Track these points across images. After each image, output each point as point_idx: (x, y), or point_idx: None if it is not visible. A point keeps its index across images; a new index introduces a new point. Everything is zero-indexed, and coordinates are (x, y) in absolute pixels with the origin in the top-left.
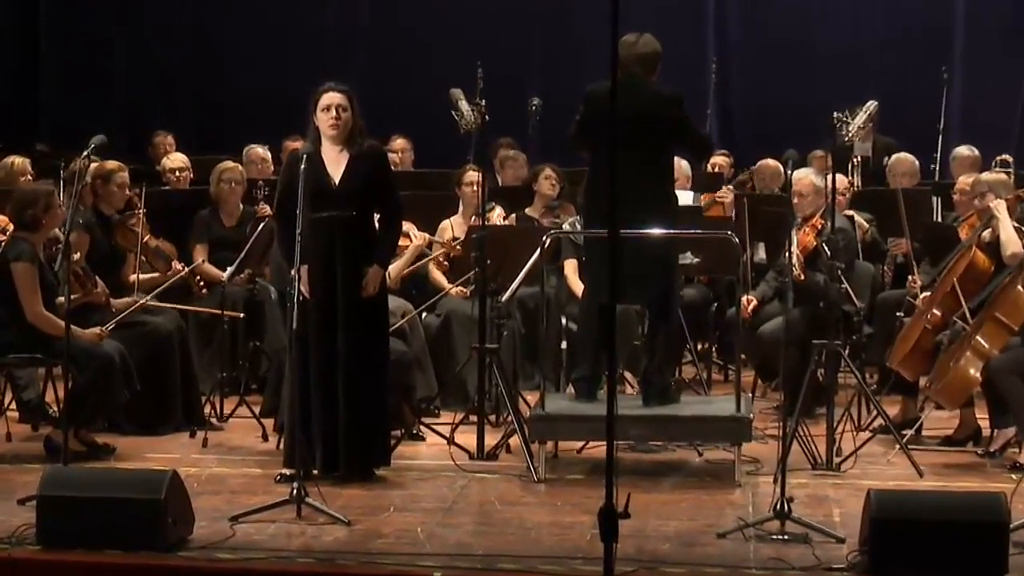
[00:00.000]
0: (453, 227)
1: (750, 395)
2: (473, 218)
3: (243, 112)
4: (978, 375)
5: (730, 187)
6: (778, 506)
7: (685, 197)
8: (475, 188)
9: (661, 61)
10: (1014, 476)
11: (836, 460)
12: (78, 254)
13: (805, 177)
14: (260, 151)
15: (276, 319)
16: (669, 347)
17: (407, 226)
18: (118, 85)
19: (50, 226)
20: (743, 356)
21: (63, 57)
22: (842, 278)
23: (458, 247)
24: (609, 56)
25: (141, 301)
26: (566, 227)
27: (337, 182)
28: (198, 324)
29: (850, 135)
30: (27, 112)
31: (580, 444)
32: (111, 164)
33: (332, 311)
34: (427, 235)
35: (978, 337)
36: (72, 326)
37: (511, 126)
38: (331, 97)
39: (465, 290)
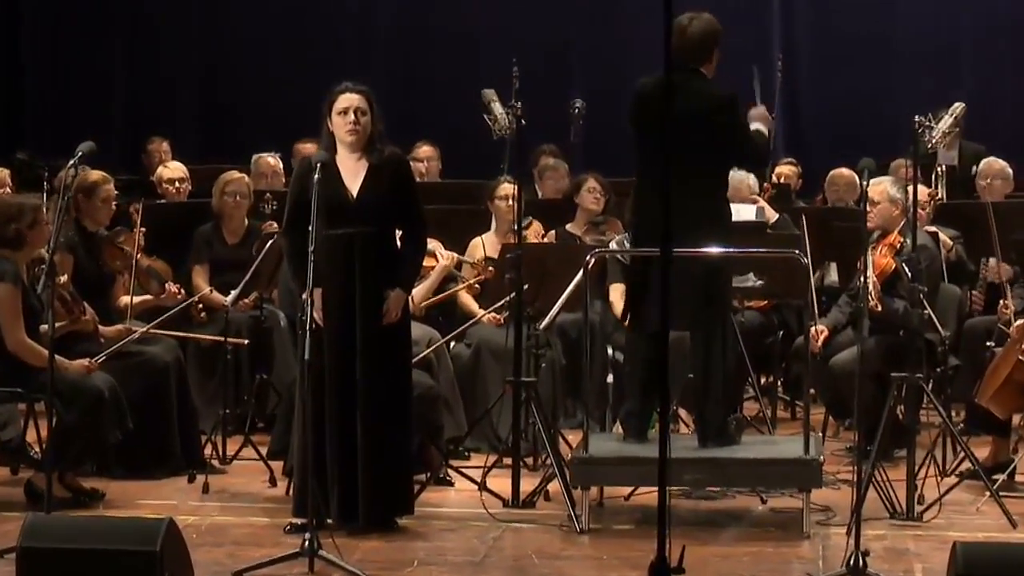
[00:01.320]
0: (485, 245)
1: (820, 435)
2: (508, 235)
3: (251, 116)
4: None
5: (756, 195)
6: (852, 560)
7: (748, 211)
8: (510, 202)
9: (718, 44)
10: None
11: (918, 509)
12: (64, 276)
13: (880, 183)
14: (271, 160)
15: (286, 349)
16: (726, 380)
17: (433, 244)
18: (117, 85)
19: (36, 244)
20: (812, 391)
21: (50, 53)
22: (924, 303)
23: (491, 268)
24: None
25: (137, 331)
26: (613, 246)
27: (355, 195)
28: (198, 354)
29: (934, 141)
30: (10, 115)
31: (628, 490)
32: (95, 175)
33: (349, 340)
34: (455, 254)
35: None
36: (57, 357)
37: (551, 131)
38: (348, 99)
39: (499, 316)
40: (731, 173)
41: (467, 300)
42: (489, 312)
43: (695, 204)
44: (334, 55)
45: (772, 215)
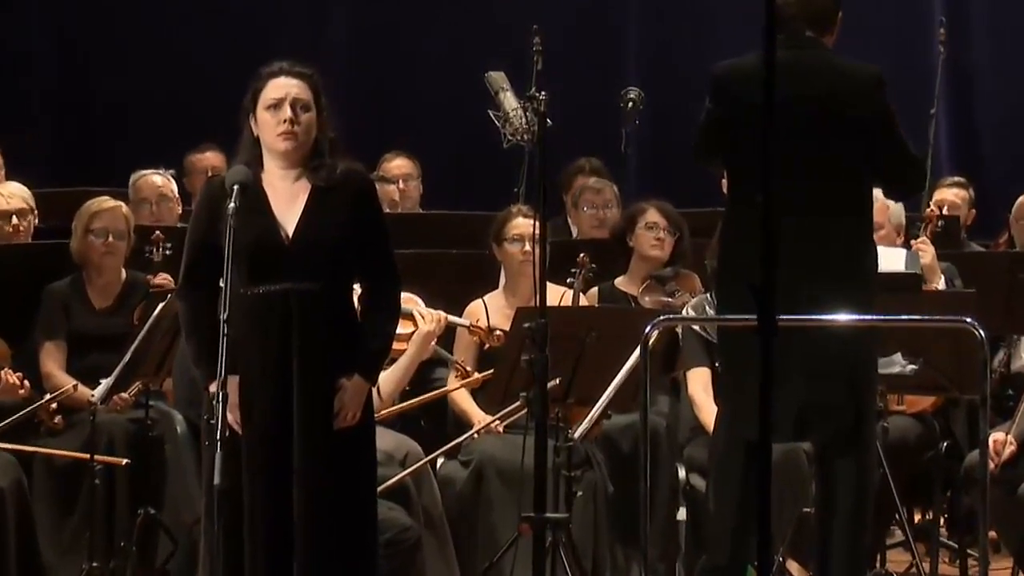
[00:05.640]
0: (489, 311)
1: None
2: (527, 296)
3: (133, 114)
4: None
5: (925, 238)
6: None
7: (894, 257)
8: (527, 245)
9: (841, 15)
10: None
11: None
12: None
13: None
14: (158, 180)
15: (184, 470)
16: (863, 517)
17: (408, 301)
18: None
19: None
20: (993, 533)
21: None
22: None
23: (498, 333)
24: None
25: None
26: (689, 311)
27: (290, 232)
28: (49, 478)
29: None
30: None
31: None
32: None
33: (282, 455)
34: (443, 314)
35: None
36: None
37: (591, 138)
38: (283, 85)
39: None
40: None
41: (462, 397)
42: (496, 420)
43: (824, 243)
44: (269, 31)
45: (934, 265)
